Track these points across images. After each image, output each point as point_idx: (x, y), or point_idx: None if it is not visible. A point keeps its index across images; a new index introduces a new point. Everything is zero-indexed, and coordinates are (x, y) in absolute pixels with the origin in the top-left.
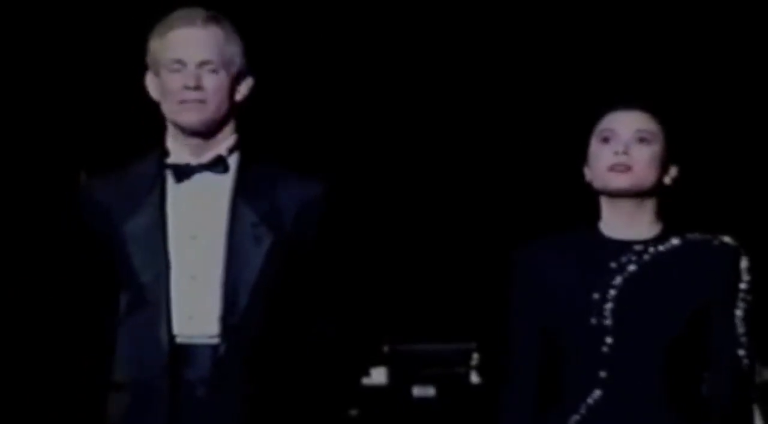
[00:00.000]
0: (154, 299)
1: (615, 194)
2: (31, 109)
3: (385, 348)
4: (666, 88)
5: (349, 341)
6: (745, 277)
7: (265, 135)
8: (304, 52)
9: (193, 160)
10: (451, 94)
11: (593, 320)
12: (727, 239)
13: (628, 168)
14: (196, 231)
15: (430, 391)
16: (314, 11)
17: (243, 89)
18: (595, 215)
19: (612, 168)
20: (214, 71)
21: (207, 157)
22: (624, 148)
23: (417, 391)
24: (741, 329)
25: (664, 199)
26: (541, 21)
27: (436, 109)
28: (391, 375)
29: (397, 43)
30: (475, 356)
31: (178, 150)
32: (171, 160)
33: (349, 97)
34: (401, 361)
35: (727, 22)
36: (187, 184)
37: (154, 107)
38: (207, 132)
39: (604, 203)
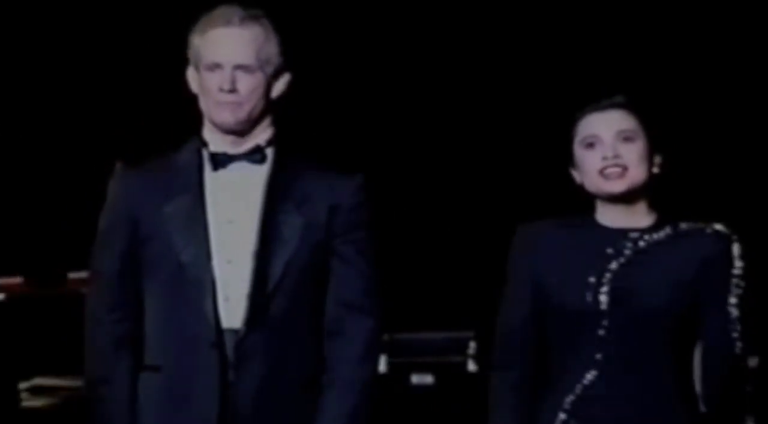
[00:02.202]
0: (195, 278)
1: (610, 199)
2: (72, 102)
3: (385, 337)
4: (652, 83)
5: (380, 332)
6: (738, 263)
7: (291, 129)
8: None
9: (231, 150)
10: (455, 99)
11: (589, 303)
12: (719, 226)
13: (624, 170)
14: (232, 216)
15: (428, 379)
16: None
17: (280, 86)
18: (591, 207)
19: (603, 172)
20: (250, 73)
21: (245, 147)
22: (613, 152)
23: (415, 379)
24: (734, 314)
25: (656, 188)
26: (535, 22)
27: (436, 110)
28: (390, 363)
29: (395, 50)
30: (472, 345)
31: (216, 141)
32: (209, 149)
33: (354, 98)
34: (400, 349)
35: (701, 8)
36: (223, 172)
37: (190, 100)
38: (242, 130)
39: (599, 203)
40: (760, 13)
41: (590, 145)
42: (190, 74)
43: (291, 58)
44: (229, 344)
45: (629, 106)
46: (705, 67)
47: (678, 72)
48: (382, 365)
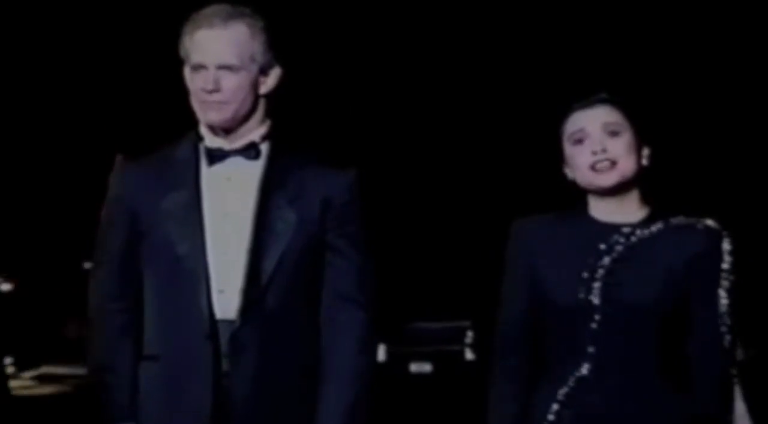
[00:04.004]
0: (191, 270)
1: (601, 193)
2: (76, 99)
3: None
4: (645, 80)
5: (375, 324)
6: (727, 258)
7: (291, 121)
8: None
9: (226, 146)
10: (451, 98)
11: (582, 298)
12: (710, 222)
13: (612, 164)
14: (228, 210)
15: (426, 367)
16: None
17: (269, 81)
18: (585, 201)
19: (594, 167)
20: (234, 72)
21: (239, 143)
22: (601, 146)
23: (414, 367)
24: (723, 307)
25: (646, 181)
26: (529, 23)
27: (434, 106)
28: (390, 352)
29: (393, 48)
30: (470, 335)
31: (211, 136)
32: (205, 144)
33: (353, 93)
34: (399, 339)
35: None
36: (219, 166)
37: (188, 96)
38: (231, 128)
39: (591, 197)
40: (747, 9)
41: (578, 141)
42: (185, 71)
43: (282, 53)
44: (224, 334)
45: (613, 100)
46: (699, 62)
47: (673, 68)
48: (382, 354)
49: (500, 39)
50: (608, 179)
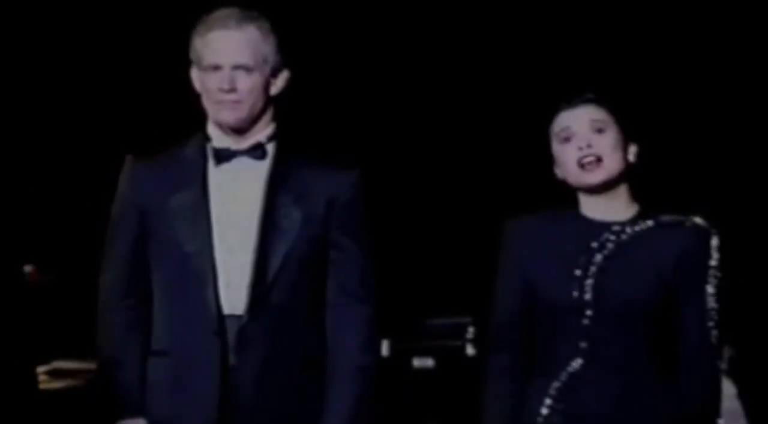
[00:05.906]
0: (198, 268)
1: (590, 190)
2: (86, 99)
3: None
4: (637, 79)
5: (378, 320)
6: (715, 255)
7: (295, 123)
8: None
9: (234, 146)
10: (454, 99)
11: (575, 295)
12: (698, 219)
13: (598, 160)
14: (234, 209)
15: (428, 362)
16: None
17: (279, 83)
18: (576, 200)
19: (581, 164)
20: (248, 72)
21: (246, 143)
22: (587, 142)
23: (416, 362)
24: (711, 303)
25: (634, 178)
26: (522, 24)
27: (437, 109)
28: (392, 347)
29: (393, 49)
30: (471, 330)
31: (219, 136)
32: (212, 144)
33: (355, 94)
34: (402, 334)
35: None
36: (226, 166)
37: (195, 97)
38: (243, 128)
39: (581, 195)
40: (733, 8)
41: (566, 140)
42: (194, 74)
43: (289, 55)
44: (231, 330)
45: (599, 100)
46: (688, 60)
47: (662, 65)
48: (385, 349)
49: (501, 42)
50: (595, 177)
